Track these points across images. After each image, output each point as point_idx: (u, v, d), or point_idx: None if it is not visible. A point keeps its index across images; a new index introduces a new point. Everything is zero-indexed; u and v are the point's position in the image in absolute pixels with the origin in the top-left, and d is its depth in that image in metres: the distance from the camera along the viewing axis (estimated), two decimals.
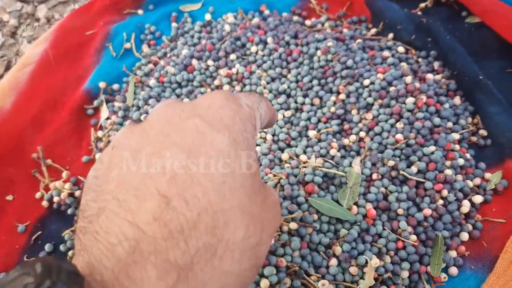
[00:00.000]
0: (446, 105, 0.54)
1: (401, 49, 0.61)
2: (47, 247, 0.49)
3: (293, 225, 0.44)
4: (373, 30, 0.65)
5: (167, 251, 0.19)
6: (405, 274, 0.44)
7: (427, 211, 0.46)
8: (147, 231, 0.20)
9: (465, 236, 0.47)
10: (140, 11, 0.69)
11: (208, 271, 0.20)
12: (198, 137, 0.23)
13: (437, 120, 0.51)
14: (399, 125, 0.51)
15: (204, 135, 0.23)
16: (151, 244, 0.19)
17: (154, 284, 0.19)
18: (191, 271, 0.20)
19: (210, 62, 0.58)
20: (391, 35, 0.63)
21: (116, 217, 0.20)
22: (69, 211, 0.51)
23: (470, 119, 0.55)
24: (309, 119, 0.55)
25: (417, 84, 0.54)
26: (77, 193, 0.51)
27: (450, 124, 0.53)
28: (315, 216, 0.46)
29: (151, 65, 0.62)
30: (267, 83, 0.57)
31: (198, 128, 0.23)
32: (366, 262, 0.43)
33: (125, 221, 0.20)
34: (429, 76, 0.57)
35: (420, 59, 0.61)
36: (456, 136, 0.52)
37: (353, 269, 0.43)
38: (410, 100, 0.52)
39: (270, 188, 0.27)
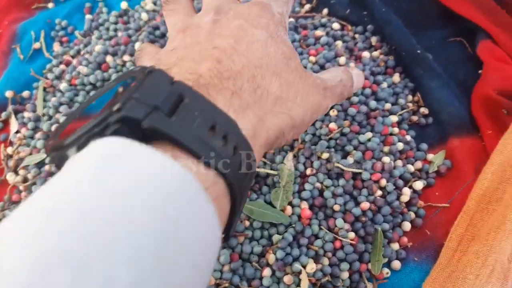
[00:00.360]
0: (384, 85, 0.51)
1: (336, 25, 0.56)
2: None
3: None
4: (307, 6, 0.60)
5: (221, 83, 0.27)
6: (345, 275, 0.41)
7: (365, 205, 0.43)
8: (204, 75, 0.27)
9: (407, 226, 0.44)
10: (50, 4, 0.62)
11: (251, 99, 0.28)
12: (242, 31, 0.31)
13: (373, 103, 0.48)
14: (333, 113, 0.47)
15: (246, 31, 0.31)
16: (208, 81, 0.27)
17: (216, 94, 0.26)
18: (239, 93, 0.27)
19: (126, 58, 0.53)
20: (325, 11, 0.59)
21: (178, 71, 0.28)
22: None
23: (410, 97, 0.52)
24: None
25: (352, 65, 0.50)
26: None
27: (388, 106, 0.49)
28: (247, 223, 0.43)
29: (62, 66, 0.55)
30: None
31: (242, 26, 0.31)
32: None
33: (186, 73, 0.27)
34: (365, 54, 0.53)
35: (356, 35, 0.56)
36: (394, 118, 0.49)
37: (288, 278, 0.40)
38: None
39: (315, 76, 0.35)
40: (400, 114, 0.50)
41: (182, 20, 0.34)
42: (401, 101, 0.50)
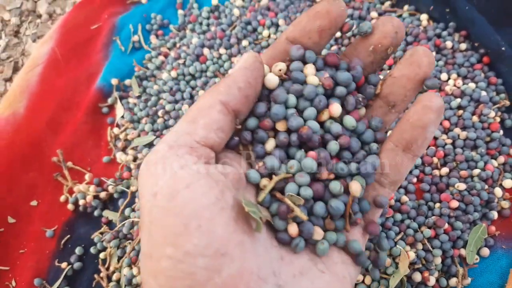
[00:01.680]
0: (472, 85, 0.52)
1: (424, 16, 0.58)
2: (78, 250, 0.49)
3: None
4: (387, 3, 0.62)
5: None
6: (438, 260, 0.44)
7: (454, 203, 0.46)
8: None
9: (494, 215, 0.46)
10: (143, 0, 0.67)
11: None
12: None
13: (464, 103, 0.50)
14: None
15: None
16: None
17: None
18: None
19: (222, 51, 0.57)
20: (406, 7, 0.61)
21: None
22: (96, 213, 0.51)
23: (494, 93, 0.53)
24: None
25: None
26: (101, 194, 0.51)
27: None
28: None
29: (161, 57, 0.60)
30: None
31: None
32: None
33: None
34: (448, 44, 0.55)
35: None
36: (492, 114, 0.50)
37: (387, 261, 0.43)
38: None
39: None
40: (494, 109, 0.51)
41: None
42: (496, 98, 0.52)
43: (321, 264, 0.26)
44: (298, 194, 0.26)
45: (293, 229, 0.26)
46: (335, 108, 0.27)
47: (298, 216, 0.25)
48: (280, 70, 0.28)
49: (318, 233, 0.26)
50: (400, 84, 0.28)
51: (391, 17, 0.28)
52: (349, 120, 0.28)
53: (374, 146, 0.29)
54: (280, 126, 0.27)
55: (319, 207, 0.26)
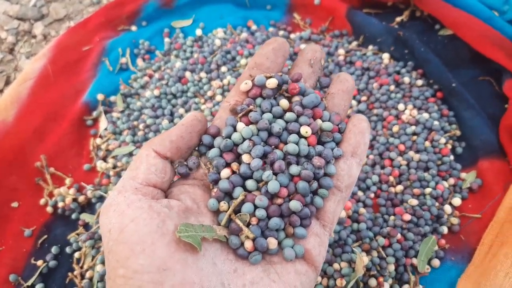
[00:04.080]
0: (426, 115, 0.58)
1: (386, 55, 0.65)
2: (54, 249, 0.51)
3: None
4: (354, 43, 0.69)
5: None
6: (391, 267, 0.48)
7: (407, 217, 0.50)
8: None
9: (444, 229, 0.51)
10: (133, 28, 0.72)
11: None
12: None
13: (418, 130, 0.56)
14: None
15: None
16: None
17: None
18: None
19: (203, 74, 0.62)
20: (371, 47, 0.68)
21: None
22: (73, 216, 0.54)
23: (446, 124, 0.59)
24: None
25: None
26: (80, 198, 0.54)
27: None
28: None
29: (146, 78, 0.65)
30: None
31: None
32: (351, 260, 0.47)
33: None
34: (406, 79, 0.61)
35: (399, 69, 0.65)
36: (442, 140, 0.56)
37: (344, 264, 0.47)
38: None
39: None
40: (445, 137, 0.57)
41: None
42: (448, 127, 0.58)
43: (274, 274, 0.30)
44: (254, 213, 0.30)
45: (248, 244, 0.30)
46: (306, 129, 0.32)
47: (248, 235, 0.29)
48: (246, 84, 0.34)
49: (272, 243, 0.30)
50: (339, 96, 0.36)
51: (311, 44, 0.37)
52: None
53: (338, 152, 0.33)
54: (245, 158, 0.31)
55: (273, 222, 0.30)
